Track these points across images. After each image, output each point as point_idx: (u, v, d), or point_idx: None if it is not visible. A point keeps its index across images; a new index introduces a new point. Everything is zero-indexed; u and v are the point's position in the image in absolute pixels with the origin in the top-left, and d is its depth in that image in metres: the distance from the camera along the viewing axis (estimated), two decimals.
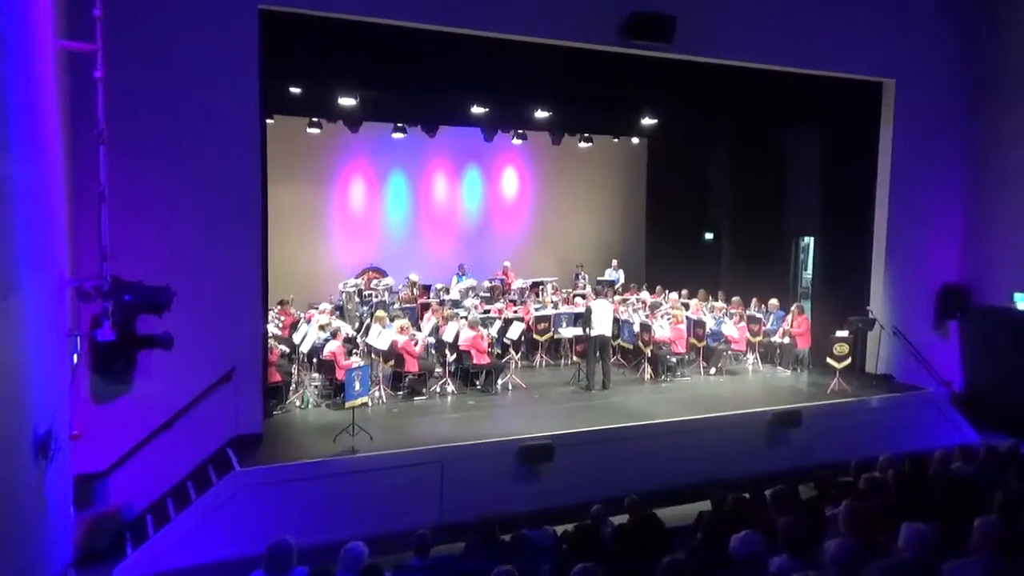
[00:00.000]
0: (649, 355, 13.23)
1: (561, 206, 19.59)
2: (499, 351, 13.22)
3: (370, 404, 11.13)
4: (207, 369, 9.26)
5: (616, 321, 13.68)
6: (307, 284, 16.11)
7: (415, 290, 15.95)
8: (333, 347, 11.33)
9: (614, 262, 18.79)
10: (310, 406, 11.29)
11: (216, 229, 9.31)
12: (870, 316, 13.42)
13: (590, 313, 12.52)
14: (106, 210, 5.87)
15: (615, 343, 13.88)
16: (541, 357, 14.29)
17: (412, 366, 11.81)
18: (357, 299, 15.05)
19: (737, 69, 12.24)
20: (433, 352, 12.92)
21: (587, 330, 12.46)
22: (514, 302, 15.81)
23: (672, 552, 5.27)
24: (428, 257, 17.96)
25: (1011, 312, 13.38)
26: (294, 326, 13.17)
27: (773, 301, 14.68)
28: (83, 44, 6.06)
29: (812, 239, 16.08)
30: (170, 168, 9.09)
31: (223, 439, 9.39)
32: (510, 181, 19.54)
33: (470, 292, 16.04)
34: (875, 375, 13.41)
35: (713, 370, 13.70)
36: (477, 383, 12.43)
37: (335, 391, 11.31)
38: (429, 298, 15.59)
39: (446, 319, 12.76)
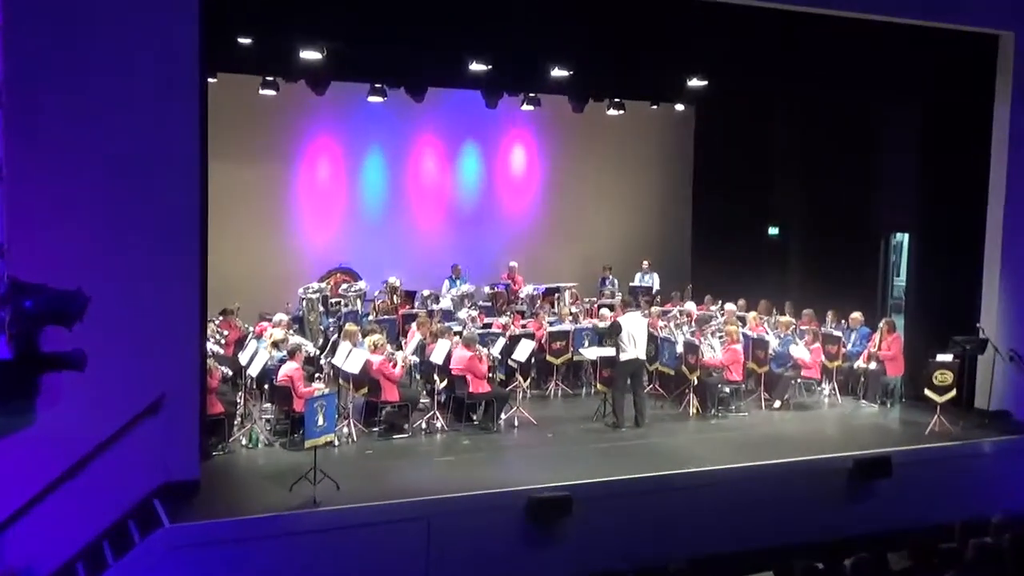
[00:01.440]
0: (696, 383, 13.22)
1: (584, 192, 19.61)
2: (502, 376, 13.21)
3: (337, 443, 11.13)
4: (129, 397, 9.27)
5: (654, 340, 13.67)
6: (258, 289, 16.14)
7: (396, 297, 15.98)
8: (290, 370, 11.35)
9: (645, 263, 18.81)
10: (260, 445, 11.31)
11: (142, 218, 9.33)
12: (981, 336, 13.37)
13: (619, 329, 12.51)
14: (2, 193, 5.92)
15: (652, 368, 13.87)
16: (556, 385, 14.30)
17: (391, 395, 11.82)
18: (321, 308, 15.10)
19: (812, 18, 12.22)
20: (418, 377, 12.92)
21: (618, 352, 12.46)
22: (522, 314, 15.82)
23: None
24: (413, 256, 17.99)
25: None
26: (240, 343, 13.19)
27: (856, 315, 14.65)
28: None
29: (906, 236, 16.04)
30: (83, 141, 9.10)
31: (149, 487, 9.39)
32: (518, 159, 19.57)
33: (466, 301, 16.07)
34: (987, 412, 13.36)
35: (778, 403, 13.68)
36: (474, 417, 12.43)
37: (292, 426, 11.32)
38: (413, 308, 15.61)
39: (435, 335, 12.77)
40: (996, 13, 13.14)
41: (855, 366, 14.19)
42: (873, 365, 13.93)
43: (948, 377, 12.60)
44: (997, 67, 13.54)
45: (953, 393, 12.64)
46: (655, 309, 15.81)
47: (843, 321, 14.81)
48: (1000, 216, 13.61)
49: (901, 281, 16.74)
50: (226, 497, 9.63)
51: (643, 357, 12.65)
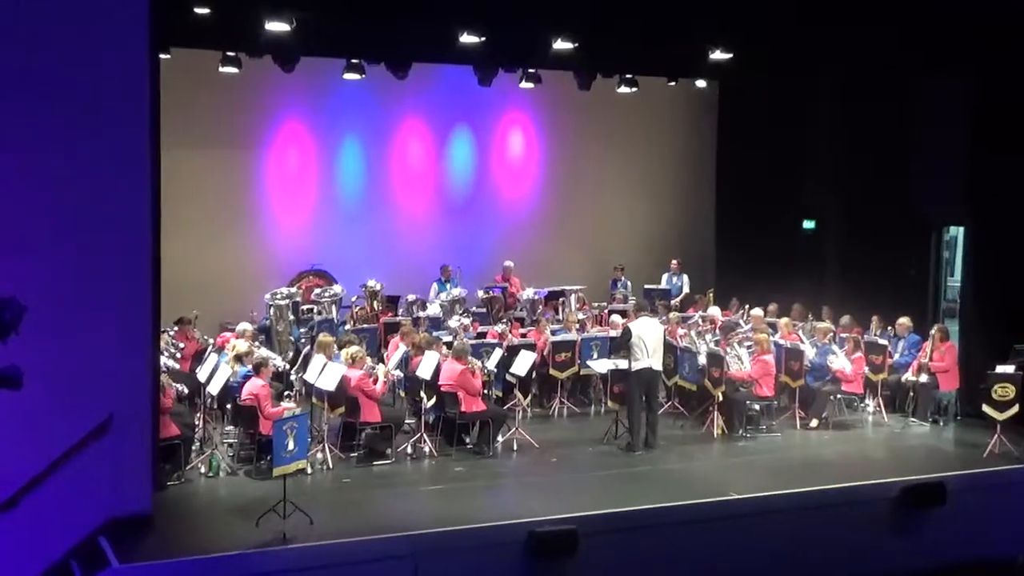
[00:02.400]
0: (721, 400, 13.24)
1: (591, 182, 19.61)
2: (499, 393, 13.22)
3: (310, 471, 11.14)
4: (71, 418, 9.26)
5: (672, 350, 13.69)
6: (219, 295, 16.15)
7: (376, 303, 15.98)
8: (255, 387, 11.36)
9: (674, 263, 18.83)
10: (221, 473, 11.31)
11: (84, 216, 9.33)
12: None
13: (629, 335, 12.54)
14: None
15: (671, 382, 13.88)
16: (561, 403, 14.31)
17: (371, 415, 11.83)
18: (291, 317, 15.10)
19: None
20: (402, 395, 12.92)
21: (629, 362, 12.50)
22: (521, 321, 15.82)
23: None
24: (396, 256, 18.00)
25: None
26: (199, 356, 13.20)
27: (903, 321, 14.67)
28: None
29: (961, 230, 16.05)
30: (16, 126, 9.10)
31: (94, 522, 9.38)
32: (516, 145, 19.58)
33: (457, 307, 16.08)
34: None
35: (815, 422, 13.70)
36: (467, 440, 12.45)
37: (258, 452, 11.33)
38: (397, 315, 15.62)
39: (421, 346, 12.78)
40: None
41: (903, 379, 14.22)
42: (924, 378, 13.95)
43: (1010, 391, 12.59)
44: None
45: (1015, 409, 12.62)
46: (674, 315, 15.81)
47: (889, 328, 14.82)
48: None
49: (955, 281, 16.74)
50: (183, 533, 9.63)
51: (658, 367, 12.67)
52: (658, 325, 13.12)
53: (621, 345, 12.81)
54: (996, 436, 12.54)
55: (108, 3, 9.33)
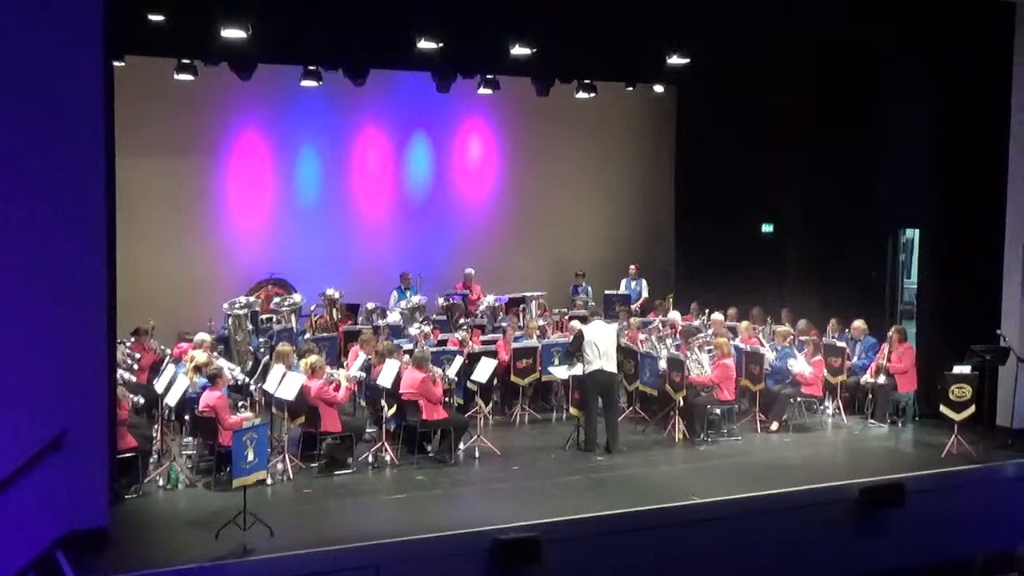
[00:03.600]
0: (682, 405, 13.30)
1: (550, 188, 19.66)
2: (460, 401, 13.22)
3: (270, 482, 11.10)
4: (24, 432, 9.16)
5: (633, 355, 13.74)
6: (176, 305, 16.06)
7: (336, 312, 15.93)
8: (213, 398, 11.29)
9: (632, 268, 18.90)
10: (180, 485, 11.23)
11: (38, 225, 9.24)
12: (1003, 344, 13.55)
13: (581, 339, 12.62)
14: None
15: (632, 387, 13.93)
16: (522, 409, 14.33)
17: (331, 424, 11.79)
18: (250, 326, 15.01)
19: None
20: (363, 403, 12.87)
21: (583, 366, 12.59)
22: (482, 328, 15.83)
23: None
24: (355, 264, 17.95)
25: None
26: (156, 367, 13.11)
27: (858, 324, 14.82)
28: None
29: (917, 232, 16.21)
30: None
31: (50, 537, 9.29)
32: (475, 152, 19.59)
33: (417, 314, 16.06)
34: (1011, 430, 13.54)
35: (775, 425, 13.80)
36: (428, 448, 12.44)
37: (218, 463, 11.26)
38: (357, 323, 15.57)
39: (382, 355, 12.76)
40: None
41: (862, 381, 14.36)
42: (882, 379, 14.07)
43: (967, 392, 12.72)
44: (1015, 40, 13.73)
45: (972, 410, 12.77)
46: (634, 320, 15.87)
47: (846, 330, 14.96)
48: (1022, 208, 13.79)
49: (912, 283, 16.90)
50: (141, 547, 9.54)
51: (611, 370, 12.73)
52: (610, 328, 13.17)
53: (573, 350, 12.89)
54: (954, 436, 12.67)
55: (61, 9, 9.25)
